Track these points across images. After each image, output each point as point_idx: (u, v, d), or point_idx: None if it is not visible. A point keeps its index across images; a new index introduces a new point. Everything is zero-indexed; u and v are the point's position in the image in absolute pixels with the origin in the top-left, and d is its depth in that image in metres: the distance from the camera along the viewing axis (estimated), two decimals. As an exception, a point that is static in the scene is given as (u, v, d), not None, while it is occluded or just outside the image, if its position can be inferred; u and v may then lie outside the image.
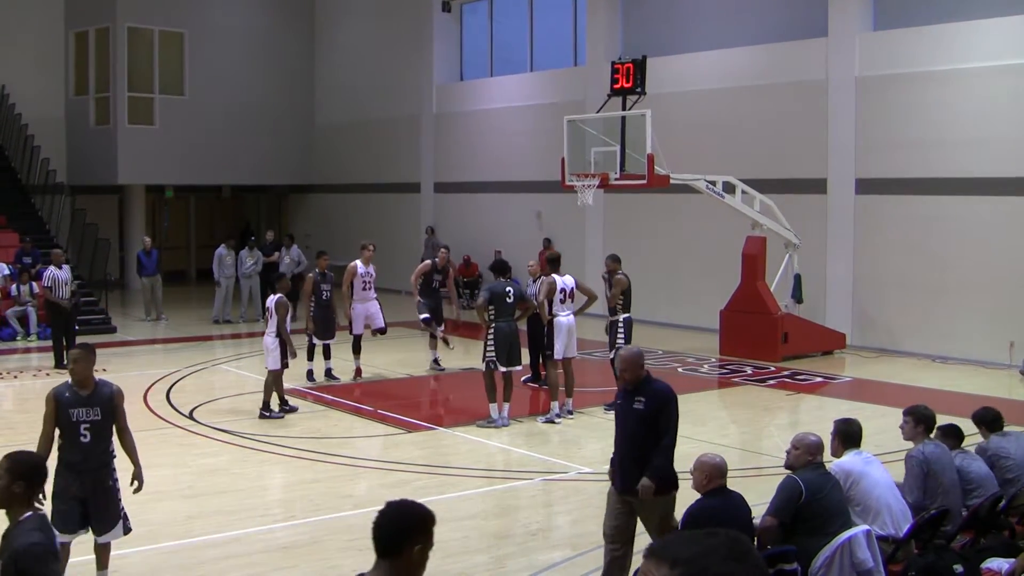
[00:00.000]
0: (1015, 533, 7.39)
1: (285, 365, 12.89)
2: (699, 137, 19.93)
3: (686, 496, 6.68)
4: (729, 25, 20.76)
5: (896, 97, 17.68)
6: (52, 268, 16.90)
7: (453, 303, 16.06)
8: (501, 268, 13.01)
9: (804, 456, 6.51)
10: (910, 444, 7.57)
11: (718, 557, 2.33)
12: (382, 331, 15.62)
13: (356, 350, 15.54)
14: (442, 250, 16.59)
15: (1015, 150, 16.24)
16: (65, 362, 16.20)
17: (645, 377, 7.02)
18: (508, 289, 12.42)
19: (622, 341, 13.10)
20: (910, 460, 7.40)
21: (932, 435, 7.55)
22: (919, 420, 7.51)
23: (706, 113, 20.38)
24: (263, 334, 13.13)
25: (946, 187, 17.08)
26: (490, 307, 12.32)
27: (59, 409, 7.07)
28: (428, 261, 16.09)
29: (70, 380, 7.19)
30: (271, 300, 13.06)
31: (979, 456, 7.91)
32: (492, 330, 12.27)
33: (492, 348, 12.24)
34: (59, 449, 7.09)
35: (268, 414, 12.76)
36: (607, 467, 10.42)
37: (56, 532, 6.22)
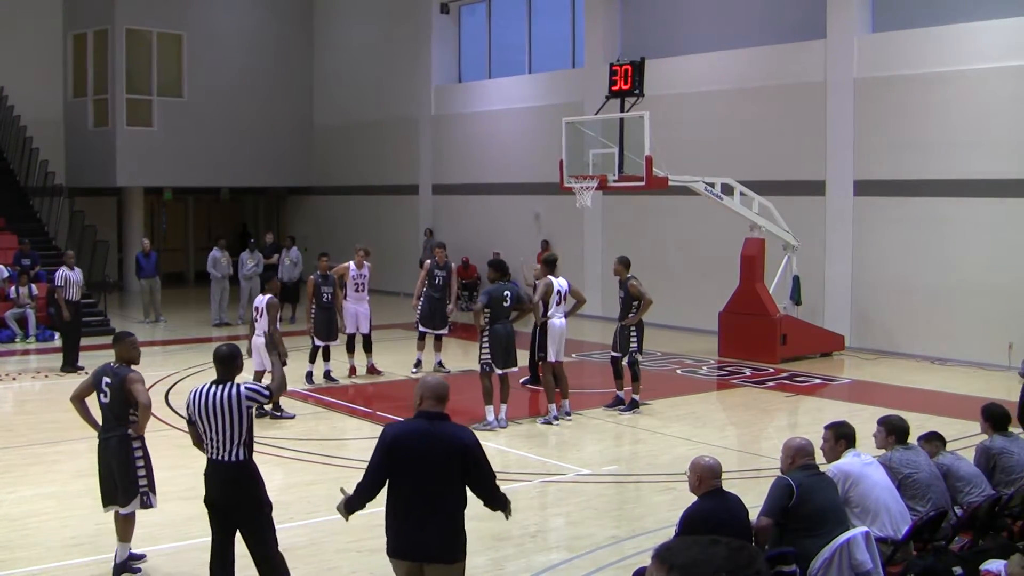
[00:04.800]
0: (1013, 534, 7.40)
1: (283, 363, 12.93)
2: (697, 139, 19.95)
3: (684, 498, 6.68)
4: (727, 27, 20.76)
5: (895, 99, 17.69)
6: (64, 269, 16.86)
7: (451, 302, 16.04)
8: (500, 268, 12.95)
9: (786, 460, 6.57)
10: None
11: (712, 566, 2.33)
12: (366, 336, 15.69)
13: (350, 350, 15.61)
14: (437, 249, 16.54)
15: (1014, 152, 16.25)
16: (79, 364, 16.12)
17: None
18: (506, 292, 12.39)
19: (635, 346, 13.14)
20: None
21: (906, 444, 7.54)
22: (891, 430, 7.53)
23: (704, 115, 20.38)
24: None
25: (945, 189, 17.09)
26: (486, 310, 12.31)
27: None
28: (428, 262, 16.12)
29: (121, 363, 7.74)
30: (260, 300, 13.07)
31: (976, 456, 7.92)
32: (488, 333, 12.27)
33: (488, 351, 12.24)
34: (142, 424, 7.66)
35: (279, 415, 12.87)
36: (606, 468, 10.38)
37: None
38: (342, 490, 5.97)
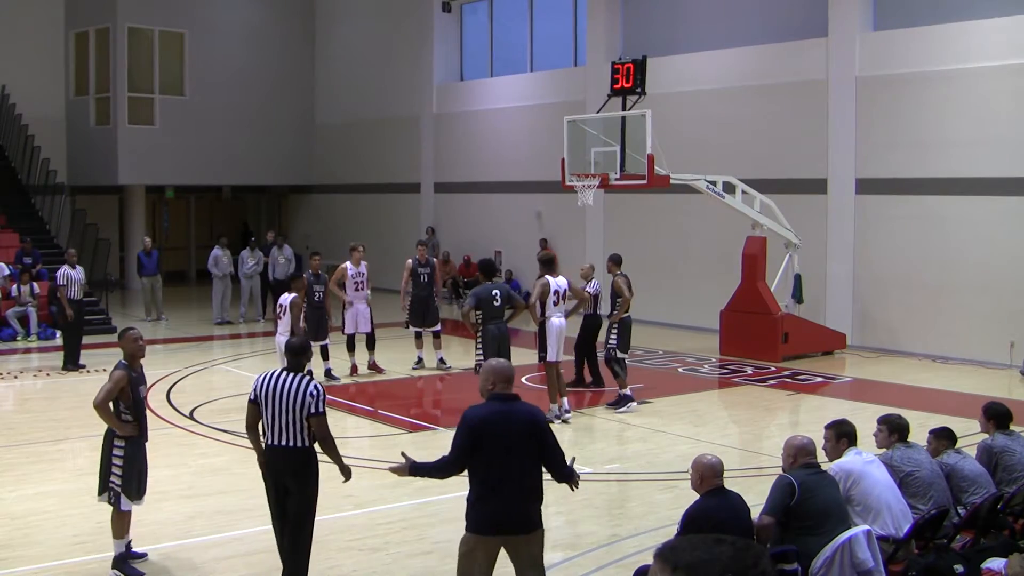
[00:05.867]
0: (1015, 533, 7.39)
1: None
2: (699, 137, 19.93)
3: (686, 496, 6.68)
4: (729, 25, 20.75)
5: (896, 97, 17.68)
6: (66, 267, 16.86)
7: (438, 297, 16.13)
8: (489, 269, 13.03)
9: (788, 458, 6.58)
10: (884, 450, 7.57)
11: (717, 566, 2.32)
12: (368, 334, 15.69)
13: (351, 348, 15.63)
14: (420, 247, 16.61)
15: (1015, 150, 16.24)
16: (81, 362, 16.12)
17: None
18: (495, 292, 12.43)
19: (614, 343, 13.10)
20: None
21: (908, 443, 7.54)
22: (893, 429, 7.53)
23: (706, 113, 20.37)
24: (263, 334, 13.14)
25: (946, 187, 17.08)
26: (477, 311, 12.37)
27: (131, 386, 7.58)
28: (410, 261, 16.14)
29: (128, 361, 7.64)
30: (285, 299, 13.15)
31: (977, 454, 7.91)
32: (480, 333, 12.34)
33: (480, 350, 12.33)
34: (119, 423, 7.55)
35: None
36: (607, 467, 10.36)
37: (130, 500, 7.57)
38: (403, 454, 6.13)
